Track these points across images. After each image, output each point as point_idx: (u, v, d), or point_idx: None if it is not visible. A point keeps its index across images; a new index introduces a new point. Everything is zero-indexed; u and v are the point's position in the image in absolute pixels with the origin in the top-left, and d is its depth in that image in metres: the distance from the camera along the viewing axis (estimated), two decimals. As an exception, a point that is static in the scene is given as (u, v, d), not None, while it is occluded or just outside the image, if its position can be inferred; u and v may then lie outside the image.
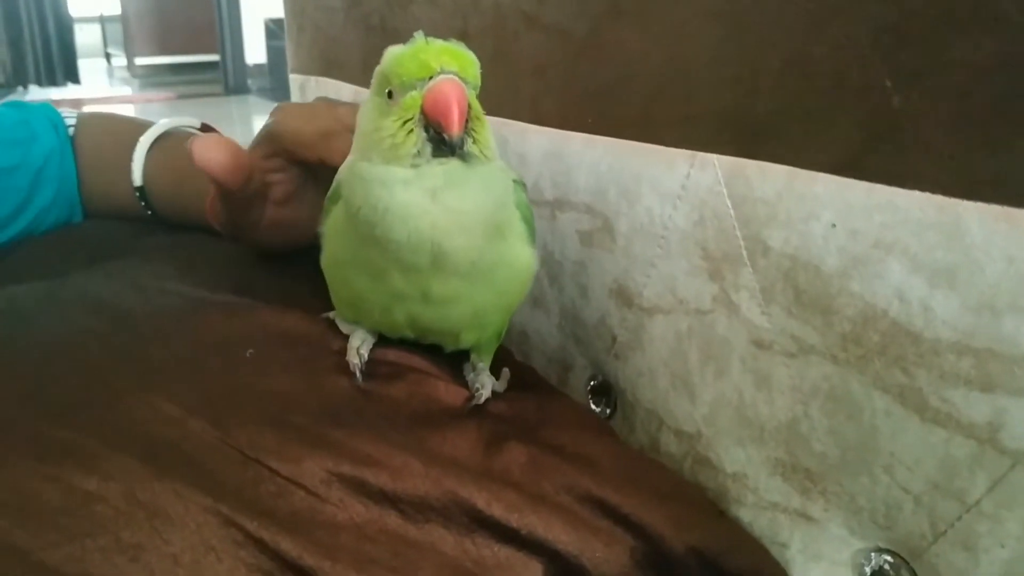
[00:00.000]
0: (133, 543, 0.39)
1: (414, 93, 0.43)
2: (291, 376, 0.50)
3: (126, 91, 6.51)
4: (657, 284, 0.56)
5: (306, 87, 1.18)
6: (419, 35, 0.44)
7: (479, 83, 0.45)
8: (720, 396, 0.52)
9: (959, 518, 0.40)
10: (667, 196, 0.54)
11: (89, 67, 7.27)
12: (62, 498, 0.40)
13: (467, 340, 0.53)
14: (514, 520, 0.45)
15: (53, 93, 5.91)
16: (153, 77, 7.19)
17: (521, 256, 0.51)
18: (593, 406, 0.66)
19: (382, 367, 0.52)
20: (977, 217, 0.37)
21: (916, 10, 0.38)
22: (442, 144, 0.43)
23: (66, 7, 6.49)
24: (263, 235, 0.65)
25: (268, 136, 0.60)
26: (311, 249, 0.67)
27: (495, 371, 0.56)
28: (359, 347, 0.51)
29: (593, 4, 0.58)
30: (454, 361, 0.55)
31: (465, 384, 0.54)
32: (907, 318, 0.40)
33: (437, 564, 0.43)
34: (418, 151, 0.44)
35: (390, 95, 0.45)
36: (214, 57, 6.48)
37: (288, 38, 1.23)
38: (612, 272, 0.60)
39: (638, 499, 0.48)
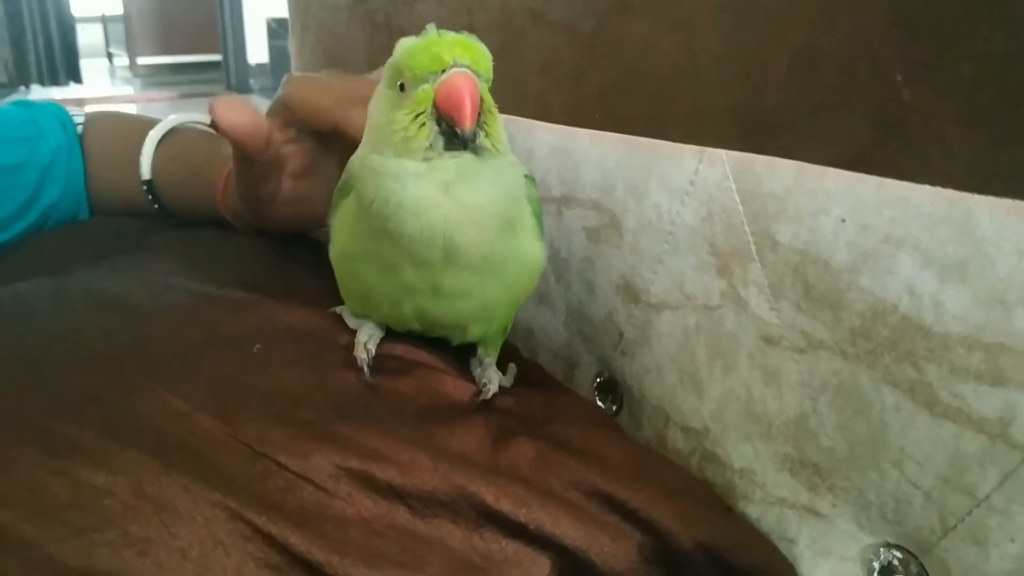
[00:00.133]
0: (141, 537, 0.39)
1: (426, 86, 0.43)
2: (299, 371, 0.50)
3: (128, 91, 6.51)
4: (665, 280, 0.56)
5: (310, 85, 1.18)
6: (431, 28, 0.44)
7: (491, 76, 0.45)
8: (728, 392, 0.52)
9: (969, 513, 0.40)
10: (675, 192, 0.54)
11: (91, 67, 7.26)
12: (70, 492, 0.40)
13: (474, 333, 0.53)
14: (522, 515, 0.45)
15: (55, 93, 5.92)
16: (155, 77, 7.19)
17: (531, 251, 0.51)
18: (599, 403, 0.66)
19: (389, 362, 0.52)
20: (988, 211, 0.37)
21: (927, 4, 0.38)
22: (454, 138, 0.43)
23: (68, 7, 6.49)
24: (279, 211, 0.65)
25: (282, 106, 0.60)
26: (319, 244, 0.68)
27: (501, 367, 0.56)
28: (366, 342, 0.51)
29: (600, 0, 0.58)
30: (461, 356, 0.55)
31: (472, 379, 0.53)
32: (917, 313, 0.40)
33: (445, 559, 0.43)
34: (430, 144, 0.43)
35: (402, 88, 0.45)
36: (216, 57, 6.48)
37: (292, 36, 1.23)
38: (619, 268, 0.60)
39: (646, 494, 0.48)
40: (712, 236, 0.51)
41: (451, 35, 0.44)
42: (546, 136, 0.66)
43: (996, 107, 0.37)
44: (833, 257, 0.44)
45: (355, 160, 0.49)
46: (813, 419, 0.47)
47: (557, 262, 0.67)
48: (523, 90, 0.67)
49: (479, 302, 0.50)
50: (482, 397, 0.51)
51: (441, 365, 0.53)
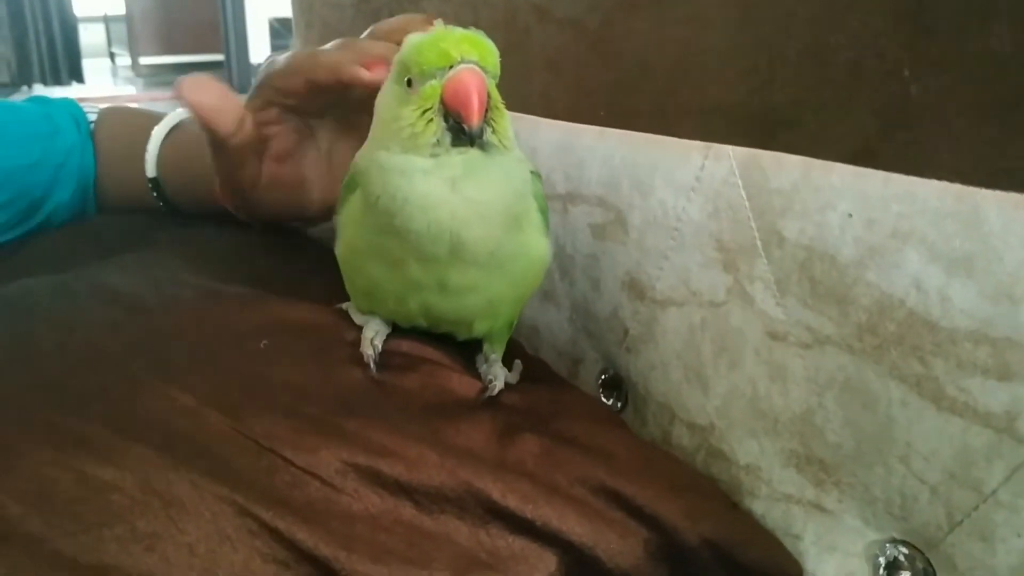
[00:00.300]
0: (149, 532, 0.39)
1: (434, 82, 0.43)
2: (305, 367, 0.50)
3: (130, 90, 6.51)
4: (670, 276, 0.56)
5: (314, 84, 1.18)
6: (439, 23, 0.44)
7: (499, 73, 0.45)
8: (734, 388, 0.52)
9: (976, 508, 0.40)
10: (681, 188, 0.54)
11: (93, 67, 7.26)
12: (78, 487, 0.40)
13: (480, 329, 0.53)
14: (528, 511, 0.45)
15: (57, 92, 5.90)
16: (157, 76, 7.18)
17: (537, 246, 0.51)
18: (604, 400, 0.66)
19: (396, 358, 0.52)
20: (996, 205, 0.37)
21: (934, -2, 0.38)
22: (461, 134, 0.43)
23: (70, 7, 6.48)
24: (262, 196, 0.64)
25: (260, 85, 0.60)
26: (323, 240, 0.68)
27: (507, 363, 0.56)
28: (373, 338, 0.51)
29: (605, -4, 0.58)
30: (466, 353, 0.55)
31: (478, 376, 0.53)
32: (924, 307, 0.40)
33: (452, 555, 0.43)
34: (437, 140, 0.44)
35: (409, 83, 0.45)
36: (218, 57, 6.46)
37: (296, 35, 1.23)
38: (624, 265, 0.60)
39: (652, 491, 0.48)
40: (718, 232, 0.51)
41: (459, 31, 0.44)
42: (551, 133, 0.66)
43: (1003, 102, 0.37)
44: (840, 252, 0.44)
45: (361, 156, 0.49)
46: (819, 415, 0.47)
47: (562, 259, 0.67)
48: (528, 87, 0.67)
49: (485, 298, 0.50)
50: (488, 393, 0.51)
51: (447, 361, 0.53)
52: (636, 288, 0.59)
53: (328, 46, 0.57)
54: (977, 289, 0.38)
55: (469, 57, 0.43)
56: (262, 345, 0.50)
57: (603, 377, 0.66)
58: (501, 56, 0.45)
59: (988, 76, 0.37)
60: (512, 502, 0.45)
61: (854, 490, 0.46)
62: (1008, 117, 0.37)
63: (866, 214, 0.42)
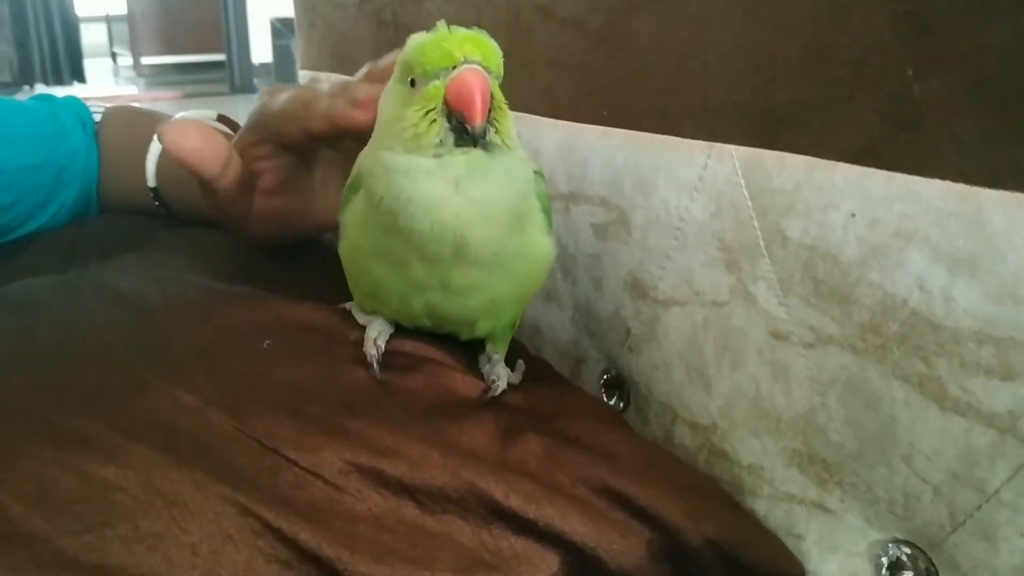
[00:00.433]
0: (152, 532, 0.39)
1: (437, 83, 0.43)
2: (308, 367, 0.50)
3: (132, 90, 6.52)
4: (673, 276, 0.56)
5: (316, 83, 1.18)
6: (442, 24, 0.44)
7: (502, 73, 0.45)
8: (736, 388, 0.52)
9: (978, 508, 0.40)
10: (684, 188, 0.54)
11: (95, 66, 7.27)
12: (81, 487, 0.40)
13: (483, 329, 0.53)
14: (531, 511, 0.45)
15: (59, 92, 5.90)
16: (159, 76, 7.20)
17: (540, 246, 0.51)
18: (606, 400, 0.66)
19: (399, 358, 0.52)
20: (999, 205, 0.37)
21: (938, -3, 0.38)
22: (464, 134, 0.43)
23: (72, 6, 6.49)
24: (253, 227, 0.63)
25: (254, 122, 0.59)
26: (326, 240, 0.68)
27: (509, 363, 0.56)
28: (376, 338, 0.51)
29: (608, -5, 0.58)
30: (469, 353, 0.55)
31: (480, 376, 0.53)
32: (927, 307, 0.40)
33: (454, 555, 0.43)
34: (440, 141, 0.43)
35: (412, 84, 0.45)
36: (220, 56, 6.48)
37: (298, 34, 1.23)
38: (627, 264, 0.60)
39: (654, 491, 0.48)
40: (721, 232, 0.51)
41: (462, 31, 0.44)
42: (554, 132, 0.66)
43: (1007, 101, 0.37)
44: (842, 252, 0.44)
45: (365, 156, 0.49)
46: (822, 414, 0.47)
47: (564, 259, 0.67)
48: (531, 86, 0.67)
49: (488, 298, 0.50)
50: (491, 394, 0.51)
51: (450, 361, 0.53)
52: (638, 288, 0.59)
53: (323, 88, 0.57)
54: (981, 289, 0.38)
55: (472, 57, 0.43)
56: (265, 345, 0.50)
57: (605, 377, 0.66)
58: (504, 55, 0.45)
59: (991, 75, 0.37)
60: (515, 502, 0.45)
61: (857, 490, 0.46)
62: (1011, 116, 0.37)
63: (869, 214, 0.42)
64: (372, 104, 0.51)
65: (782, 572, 0.49)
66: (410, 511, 0.44)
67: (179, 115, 0.80)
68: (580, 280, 0.66)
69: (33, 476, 0.40)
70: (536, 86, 0.67)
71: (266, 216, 0.63)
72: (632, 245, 0.59)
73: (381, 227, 0.47)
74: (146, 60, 7.30)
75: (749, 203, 0.49)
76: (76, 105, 0.84)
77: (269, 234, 0.65)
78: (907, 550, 0.44)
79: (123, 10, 7.34)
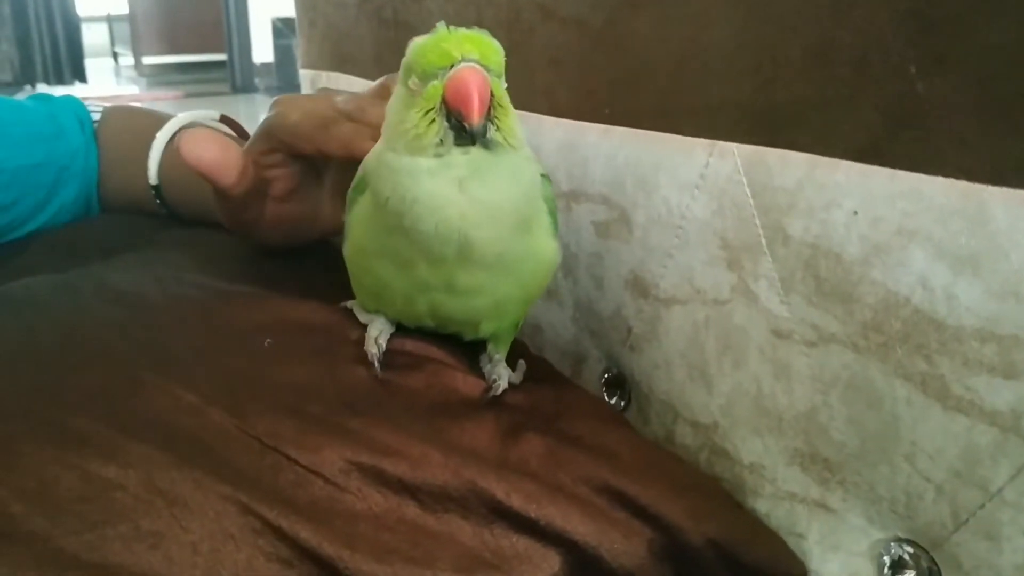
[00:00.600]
0: (152, 531, 0.39)
1: (436, 83, 0.43)
2: (309, 366, 0.50)
3: (133, 90, 6.53)
4: (674, 275, 0.56)
5: (317, 83, 1.18)
6: (441, 24, 0.44)
7: (502, 71, 0.45)
8: (738, 386, 0.52)
9: (981, 507, 0.40)
10: (685, 186, 0.53)
11: (96, 66, 7.28)
12: (81, 486, 0.40)
13: (486, 330, 0.53)
14: (532, 511, 0.45)
15: (60, 92, 5.91)
16: (160, 76, 7.20)
17: (546, 250, 0.51)
18: (607, 399, 0.65)
19: (400, 357, 0.52)
20: (1002, 203, 0.37)
21: (940, -5, 0.38)
22: (463, 132, 0.43)
23: (74, 6, 6.50)
24: (264, 232, 0.64)
25: (267, 131, 0.59)
26: (328, 240, 0.68)
27: (511, 363, 0.56)
28: (377, 337, 0.51)
29: (609, -6, 0.58)
30: (470, 352, 0.55)
31: (482, 375, 0.53)
32: (930, 305, 0.40)
33: (455, 554, 0.43)
34: (440, 140, 0.43)
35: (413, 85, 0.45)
36: (221, 56, 6.49)
37: (299, 33, 1.23)
38: (628, 263, 0.60)
39: (656, 490, 0.48)
40: (722, 230, 0.51)
41: (462, 31, 0.44)
42: (555, 131, 0.65)
43: (1010, 99, 0.37)
44: (845, 250, 0.44)
45: (371, 157, 0.49)
46: (824, 413, 0.47)
47: (566, 257, 0.66)
48: (532, 85, 0.67)
49: (492, 299, 0.50)
50: (492, 393, 0.51)
51: (451, 361, 0.53)
52: (640, 286, 0.59)
53: (338, 100, 0.57)
54: (983, 287, 0.38)
55: (470, 56, 0.43)
56: (266, 344, 0.50)
57: (606, 376, 0.66)
58: (505, 54, 0.45)
59: (994, 73, 0.37)
60: (516, 502, 0.45)
61: (859, 489, 0.46)
62: (1014, 114, 0.36)
63: (871, 212, 0.42)
64: None
65: (784, 571, 0.49)
66: (411, 510, 0.44)
67: (181, 116, 0.80)
68: (581, 279, 0.66)
69: (34, 475, 0.40)
70: (537, 85, 0.67)
71: (277, 222, 0.63)
72: (633, 243, 0.59)
73: (387, 227, 0.47)
74: (147, 60, 7.31)
75: (751, 201, 0.49)
76: (74, 105, 0.84)
77: (279, 240, 0.65)
78: (909, 549, 0.44)
79: (124, 10, 7.36)
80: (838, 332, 0.45)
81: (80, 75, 6.48)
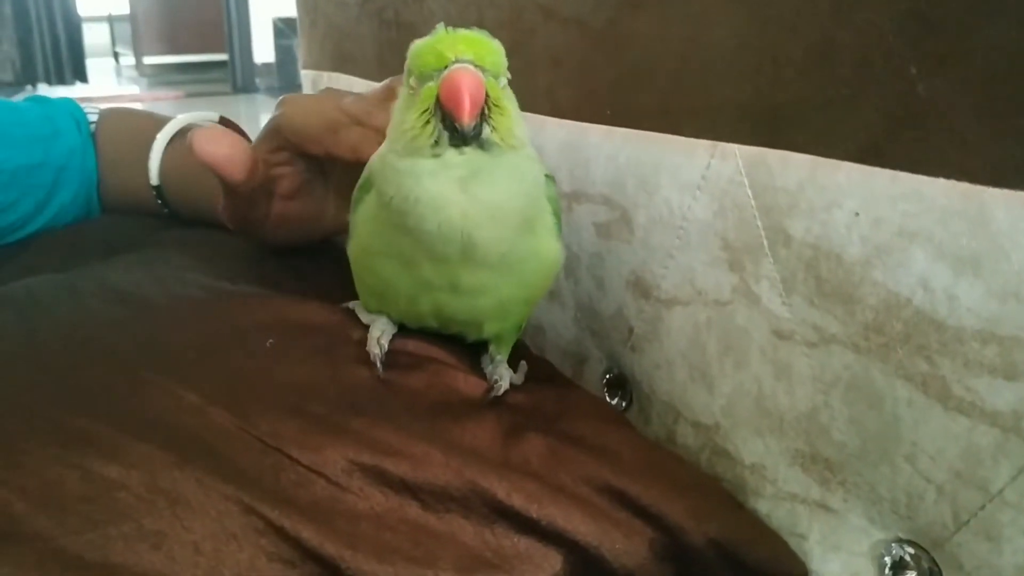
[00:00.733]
0: (155, 530, 0.39)
1: (431, 84, 0.43)
2: (311, 365, 0.50)
3: (134, 90, 6.53)
4: (675, 275, 0.56)
5: (318, 83, 1.18)
6: (440, 26, 0.44)
7: (500, 70, 0.45)
8: (739, 387, 0.52)
9: (982, 507, 0.40)
10: (687, 187, 0.53)
11: (97, 66, 7.28)
12: (84, 485, 0.40)
13: (489, 330, 0.53)
14: (534, 511, 0.45)
15: (61, 92, 5.92)
16: (161, 76, 7.20)
17: (549, 250, 0.51)
18: (608, 399, 0.65)
19: (402, 357, 0.52)
20: (1003, 204, 0.37)
21: (942, -4, 0.38)
22: (457, 133, 0.43)
23: (75, 6, 6.49)
24: (270, 230, 0.64)
25: (274, 130, 0.60)
26: (329, 241, 0.68)
27: (512, 363, 0.56)
28: (379, 337, 0.51)
29: (611, -5, 0.58)
30: (472, 352, 0.55)
31: (483, 376, 0.53)
32: (931, 306, 0.40)
33: (457, 554, 0.43)
34: (436, 141, 0.43)
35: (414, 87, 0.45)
36: (222, 56, 6.49)
37: (300, 33, 1.23)
38: (629, 264, 0.60)
39: (657, 490, 0.48)
40: (724, 231, 0.51)
41: (460, 32, 0.44)
42: (556, 132, 0.66)
43: (1011, 100, 0.37)
44: (846, 251, 0.44)
45: (376, 158, 0.49)
46: (825, 414, 0.47)
47: (567, 258, 0.66)
48: (533, 86, 0.67)
49: (496, 299, 0.50)
50: (493, 393, 0.52)
51: (453, 361, 0.53)
52: (641, 287, 0.59)
53: (345, 102, 0.57)
54: (984, 288, 0.38)
55: (464, 57, 0.43)
56: (268, 344, 0.50)
57: (607, 376, 0.66)
58: (506, 55, 0.45)
59: (996, 74, 0.37)
60: (517, 501, 0.45)
61: (860, 489, 0.46)
62: (1016, 115, 0.36)
63: (873, 213, 0.42)
64: None
65: (785, 572, 0.49)
66: (413, 510, 0.44)
67: (180, 117, 0.80)
68: (582, 279, 0.66)
69: (36, 475, 0.40)
70: (538, 86, 0.67)
71: (282, 220, 0.64)
72: (635, 244, 0.59)
73: (391, 227, 0.47)
74: (148, 60, 7.31)
75: (752, 202, 0.49)
76: (70, 106, 0.84)
77: (284, 238, 0.66)
78: (910, 550, 0.44)
79: (125, 10, 7.36)
80: (839, 333, 0.45)
81: (81, 75, 6.47)
